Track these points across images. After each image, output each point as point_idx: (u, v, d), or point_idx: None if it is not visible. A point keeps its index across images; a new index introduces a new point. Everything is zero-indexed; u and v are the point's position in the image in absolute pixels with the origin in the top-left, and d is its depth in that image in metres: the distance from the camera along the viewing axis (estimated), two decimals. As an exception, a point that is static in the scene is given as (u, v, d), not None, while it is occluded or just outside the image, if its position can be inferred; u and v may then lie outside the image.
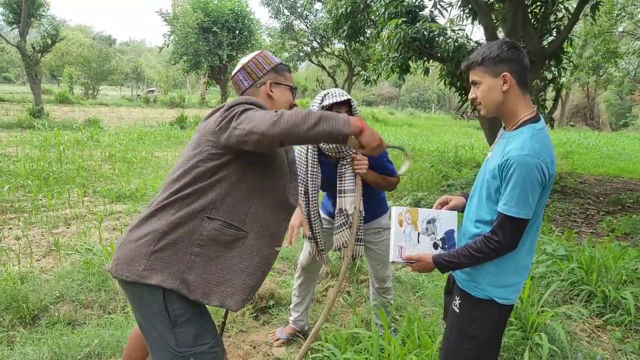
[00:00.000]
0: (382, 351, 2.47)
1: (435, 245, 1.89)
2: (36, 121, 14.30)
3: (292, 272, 4.06)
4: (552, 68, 7.94)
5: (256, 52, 1.89)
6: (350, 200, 2.49)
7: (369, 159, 2.45)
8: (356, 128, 1.56)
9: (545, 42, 7.84)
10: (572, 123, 33.68)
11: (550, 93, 9.18)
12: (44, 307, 3.17)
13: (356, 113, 2.44)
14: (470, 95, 1.75)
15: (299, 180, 2.49)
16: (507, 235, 1.62)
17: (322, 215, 2.79)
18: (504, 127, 1.77)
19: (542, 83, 7.95)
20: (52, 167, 7.89)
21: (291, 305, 3.03)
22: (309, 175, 2.52)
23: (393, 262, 1.86)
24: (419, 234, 1.86)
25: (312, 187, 2.53)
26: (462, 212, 1.96)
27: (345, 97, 2.38)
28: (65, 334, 2.80)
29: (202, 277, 1.62)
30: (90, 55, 30.64)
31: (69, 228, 5.10)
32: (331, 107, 2.38)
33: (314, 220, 2.62)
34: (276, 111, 1.50)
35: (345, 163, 2.49)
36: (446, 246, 1.91)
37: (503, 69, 1.64)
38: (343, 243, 2.54)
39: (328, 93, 2.42)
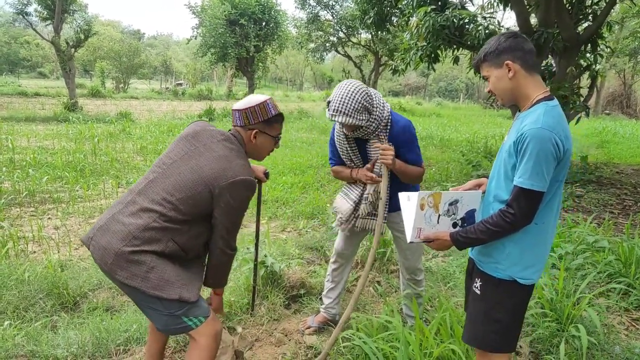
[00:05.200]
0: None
1: (455, 225, 1.93)
2: (71, 114, 14.76)
3: (322, 263, 4.09)
4: (588, 55, 7.67)
5: (262, 100, 2.09)
6: (372, 187, 2.56)
7: (395, 147, 2.45)
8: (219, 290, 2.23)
9: (580, 28, 7.58)
10: (607, 111, 32.49)
11: (585, 81, 8.87)
12: (83, 293, 3.30)
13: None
14: (487, 89, 1.87)
15: (344, 156, 2.68)
16: (522, 207, 1.64)
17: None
18: (519, 110, 1.82)
19: (577, 70, 7.70)
20: (87, 159, 8.14)
21: (324, 292, 3.06)
22: (350, 152, 2.62)
23: (411, 242, 1.90)
24: (439, 215, 1.89)
25: (356, 161, 2.64)
26: None
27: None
28: (105, 320, 2.90)
29: (161, 276, 1.85)
30: (121, 50, 31.24)
31: (104, 218, 5.25)
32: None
33: (359, 186, 2.69)
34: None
35: (369, 146, 2.55)
36: (465, 224, 1.94)
37: (505, 59, 1.73)
38: (366, 225, 2.69)
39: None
